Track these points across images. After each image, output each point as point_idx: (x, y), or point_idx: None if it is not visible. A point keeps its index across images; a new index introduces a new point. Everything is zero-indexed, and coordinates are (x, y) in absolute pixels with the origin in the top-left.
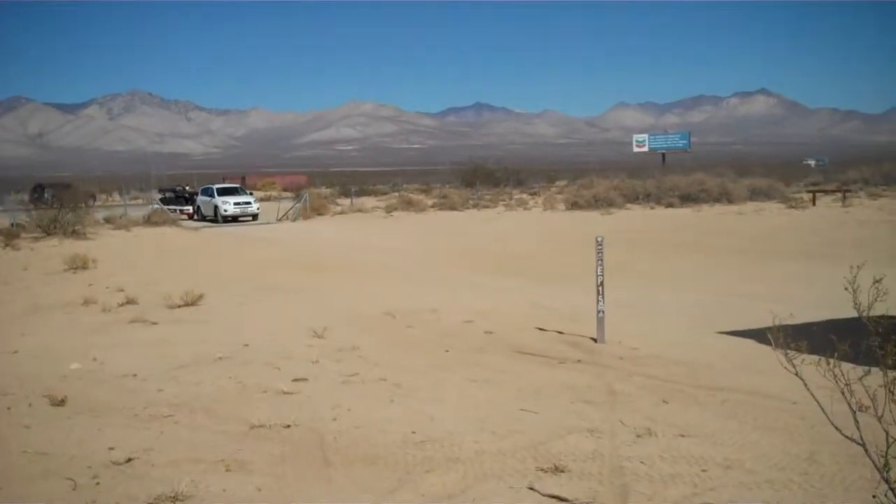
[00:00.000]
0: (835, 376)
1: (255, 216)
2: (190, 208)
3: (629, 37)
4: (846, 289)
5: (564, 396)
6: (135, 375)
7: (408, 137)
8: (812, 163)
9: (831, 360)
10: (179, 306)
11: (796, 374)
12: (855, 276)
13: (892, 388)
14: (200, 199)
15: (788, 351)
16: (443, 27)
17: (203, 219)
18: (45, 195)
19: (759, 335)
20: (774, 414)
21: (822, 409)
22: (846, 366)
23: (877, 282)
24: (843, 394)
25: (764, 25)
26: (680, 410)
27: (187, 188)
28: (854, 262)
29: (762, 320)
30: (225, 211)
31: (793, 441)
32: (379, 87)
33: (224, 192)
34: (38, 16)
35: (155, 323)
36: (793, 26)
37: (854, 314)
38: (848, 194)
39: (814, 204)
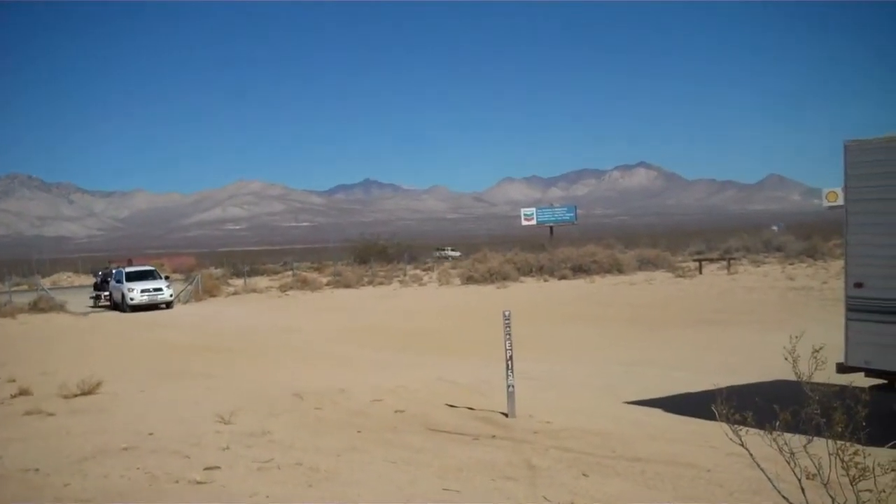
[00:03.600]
0: (779, 446)
1: (168, 304)
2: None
3: (513, 113)
4: (786, 358)
5: (485, 474)
6: (37, 470)
7: (297, 215)
8: (775, 228)
9: (769, 430)
10: (77, 395)
11: (741, 445)
12: (794, 346)
13: (840, 455)
14: (112, 284)
15: (732, 425)
16: (329, 105)
17: (115, 307)
18: None
19: (665, 403)
20: (692, 482)
21: (770, 480)
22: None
23: (816, 351)
24: (788, 463)
25: (642, 100)
26: (601, 483)
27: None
28: (745, 328)
29: (666, 388)
30: (131, 300)
31: None
32: (266, 165)
33: (133, 276)
34: None
35: (52, 414)
36: (669, 100)
37: (753, 380)
38: (732, 262)
39: (700, 272)
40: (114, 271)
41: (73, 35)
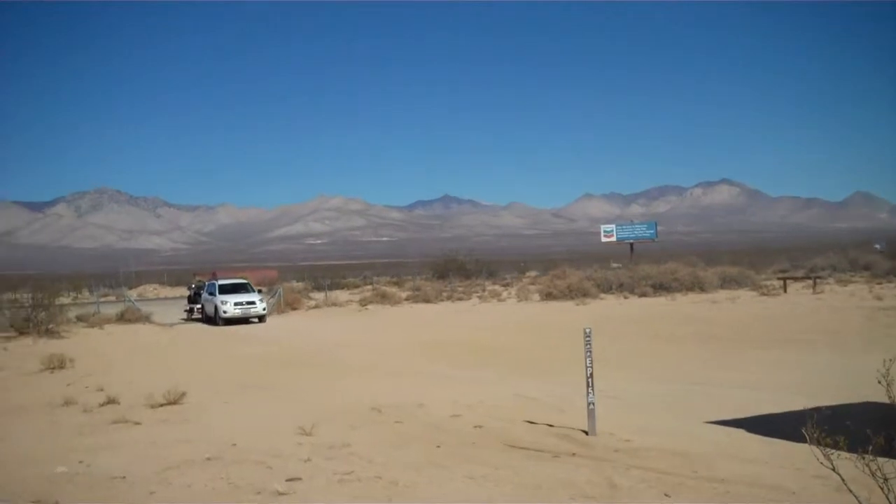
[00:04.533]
0: (871, 471)
1: (261, 318)
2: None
3: (593, 129)
4: (879, 382)
5: (564, 492)
6: (124, 478)
7: (376, 230)
8: (878, 246)
9: (865, 455)
10: (162, 405)
11: (832, 469)
12: (888, 369)
13: None
14: (204, 297)
15: (824, 448)
16: (410, 121)
17: (207, 320)
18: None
19: (748, 423)
20: None
21: (860, 502)
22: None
23: None
24: (881, 488)
25: (724, 116)
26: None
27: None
28: (831, 349)
29: (748, 408)
30: (224, 312)
31: None
32: (346, 181)
33: (226, 289)
34: (4, 113)
35: (138, 423)
36: (752, 116)
37: (839, 401)
38: (818, 281)
39: (785, 291)
40: (206, 284)
41: (162, 55)
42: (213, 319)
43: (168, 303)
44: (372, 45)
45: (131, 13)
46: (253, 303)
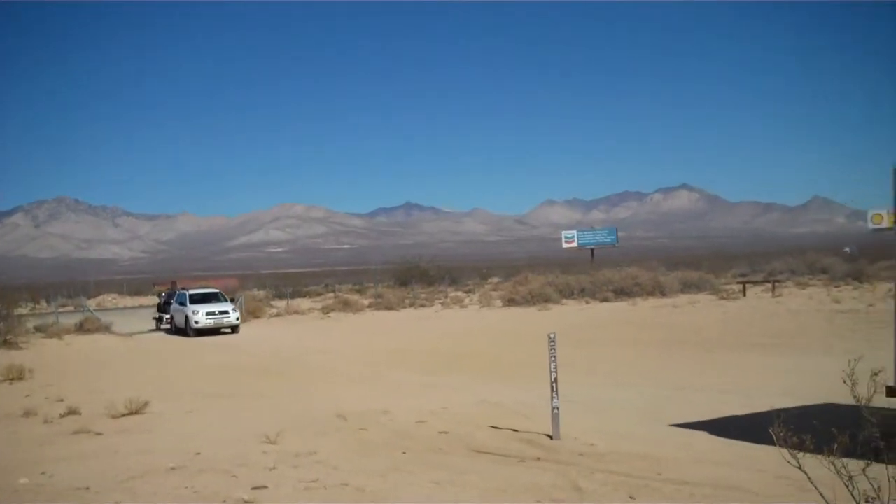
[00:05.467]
0: (837, 469)
1: (234, 328)
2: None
3: (555, 135)
4: (844, 381)
5: (530, 496)
6: (87, 488)
7: (338, 238)
8: (848, 249)
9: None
10: (124, 415)
11: (800, 469)
12: (853, 369)
13: None
14: (174, 307)
15: (791, 448)
16: (370, 128)
17: (177, 331)
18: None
19: (711, 426)
20: None
21: (826, 501)
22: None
23: (875, 374)
24: (847, 486)
25: (684, 122)
26: None
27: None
28: (792, 351)
29: (711, 411)
30: (196, 323)
31: None
32: (308, 188)
33: (196, 299)
34: None
35: (100, 433)
36: (711, 122)
37: (800, 403)
38: (777, 284)
39: (744, 295)
40: (177, 293)
41: (121, 63)
42: (183, 330)
43: (128, 312)
44: (332, 52)
45: (87, 18)
46: (226, 312)
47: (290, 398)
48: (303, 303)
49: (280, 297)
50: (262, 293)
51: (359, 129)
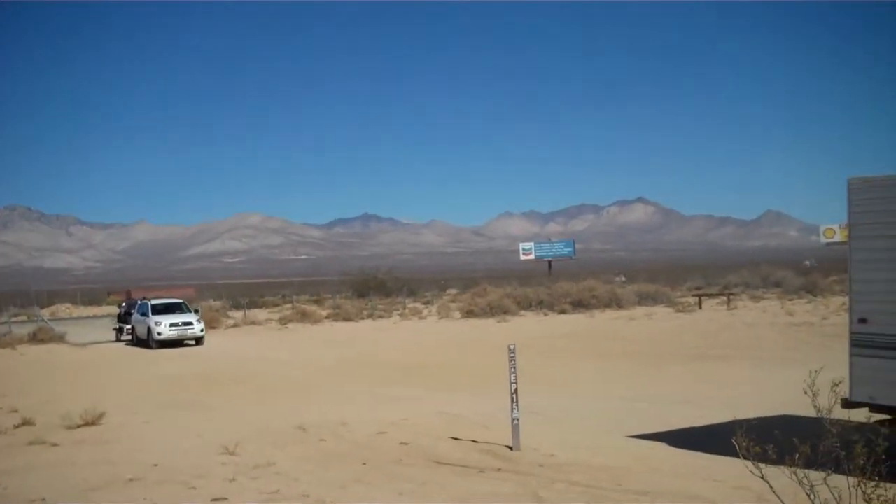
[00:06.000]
0: (798, 479)
1: (198, 340)
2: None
3: (512, 148)
4: (805, 392)
5: None
6: (44, 500)
7: (295, 249)
8: (808, 263)
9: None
10: (80, 426)
11: (761, 478)
12: (813, 381)
13: (863, 488)
14: (135, 317)
15: (753, 459)
16: (328, 139)
17: (139, 342)
18: None
19: (669, 437)
20: None
21: None
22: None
23: (835, 385)
24: (808, 495)
25: (640, 136)
26: None
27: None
28: (748, 363)
29: (668, 422)
30: (159, 335)
31: None
32: (265, 199)
33: (159, 309)
34: None
35: (56, 444)
36: (667, 136)
37: (756, 414)
38: (732, 297)
39: (700, 307)
40: (138, 303)
41: (76, 69)
42: (145, 342)
43: (83, 322)
44: (288, 61)
45: (30, 22)
46: (190, 324)
47: (248, 409)
48: (259, 314)
49: (237, 307)
50: (218, 304)
51: (317, 139)
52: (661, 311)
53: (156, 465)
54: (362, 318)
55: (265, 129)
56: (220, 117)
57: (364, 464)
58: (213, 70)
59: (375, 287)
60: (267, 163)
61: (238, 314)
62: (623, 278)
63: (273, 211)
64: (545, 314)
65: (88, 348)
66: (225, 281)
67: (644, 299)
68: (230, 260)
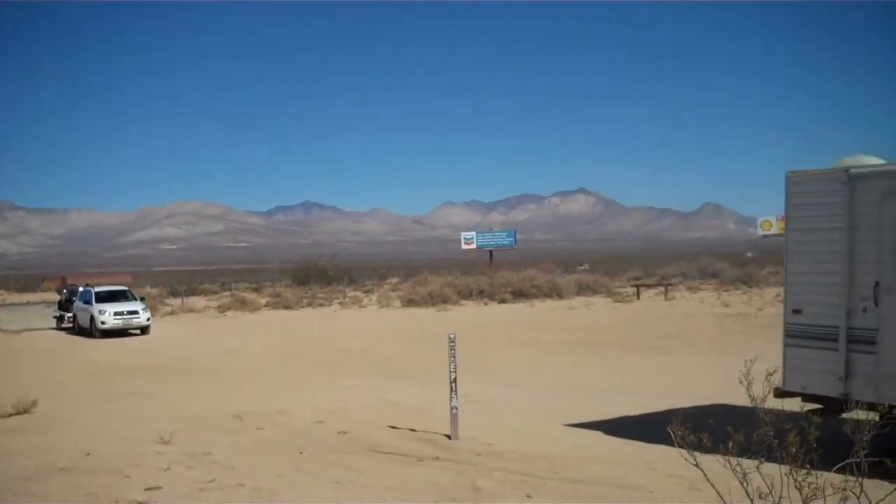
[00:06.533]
0: (732, 466)
1: (144, 329)
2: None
3: (454, 137)
4: (741, 381)
5: (429, 495)
6: None
7: (235, 236)
8: (750, 255)
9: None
10: (11, 415)
11: (696, 466)
12: (748, 370)
13: (794, 476)
14: (77, 305)
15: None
16: (270, 126)
17: (80, 331)
18: None
19: (606, 426)
20: (636, 503)
21: (722, 498)
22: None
23: (769, 375)
24: (741, 483)
25: (582, 126)
26: None
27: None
28: (684, 353)
29: (606, 411)
30: (102, 324)
31: None
32: (205, 185)
33: (103, 297)
34: None
35: None
36: (609, 127)
37: (692, 403)
38: (669, 288)
39: (638, 298)
40: (80, 290)
41: (14, 55)
42: (87, 331)
43: (17, 309)
44: (229, 48)
45: None
46: (135, 312)
47: (185, 398)
48: (198, 301)
49: (175, 294)
50: (155, 291)
51: (258, 126)
52: (600, 301)
53: (89, 454)
54: (302, 307)
55: (207, 115)
56: (160, 103)
57: (301, 452)
58: (151, 56)
59: (316, 275)
60: (207, 149)
61: (176, 302)
62: (586, 267)
63: (213, 197)
64: (485, 303)
65: (23, 335)
66: (163, 268)
67: (584, 289)
68: (169, 247)
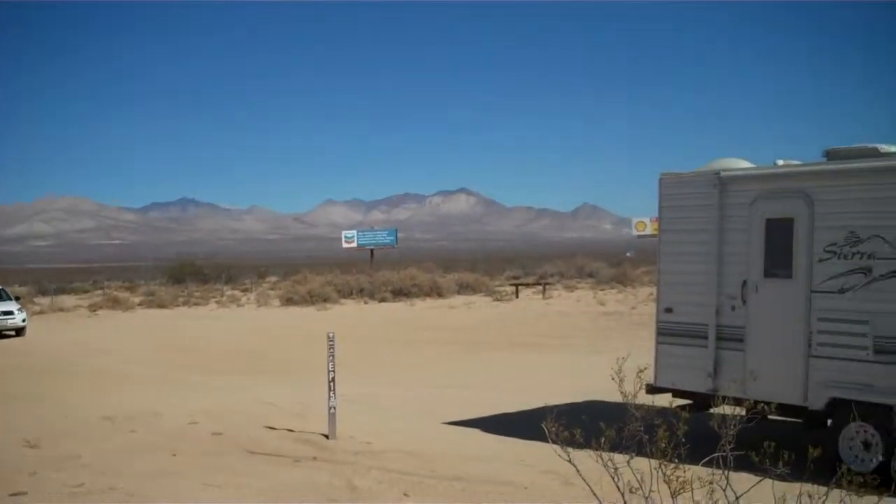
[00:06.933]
0: (604, 461)
1: (19, 331)
2: None
3: (335, 135)
4: (613, 378)
5: (305, 495)
6: None
7: (108, 233)
8: (629, 254)
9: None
10: None
11: (569, 462)
12: (620, 367)
13: (663, 469)
14: None
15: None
16: (144, 120)
17: None
18: None
19: (483, 423)
20: (511, 499)
21: (594, 493)
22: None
23: (640, 371)
24: (612, 477)
25: (464, 127)
26: (422, 503)
27: None
28: (560, 351)
29: (483, 409)
30: None
31: None
32: (76, 179)
33: None
34: None
35: None
36: (488, 129)
37: (567, 400)
38: (547, 287)
39: (517, 297)
40: None
41: None
42: None
43: None
44: (107, 42)
45: None
46: (10, 313)
47: (54, 400)
48: (68, 300)
49: (43, 293)
50: (23, 289)
51: (132, 118)
52: (479, 300)
53: None
54: (177, 306)
55: (77, 106)
56: (29, 93)
57: (175, 455)
58: (25, 46)
59: (192, 273)
60: (79, 143)
61: (45, 301)
62: (630, 253)
63: (84, 192)
64: (366, 302)
65: None
66: (31, 266)
67: (464, 289)
68: (38, 244)
